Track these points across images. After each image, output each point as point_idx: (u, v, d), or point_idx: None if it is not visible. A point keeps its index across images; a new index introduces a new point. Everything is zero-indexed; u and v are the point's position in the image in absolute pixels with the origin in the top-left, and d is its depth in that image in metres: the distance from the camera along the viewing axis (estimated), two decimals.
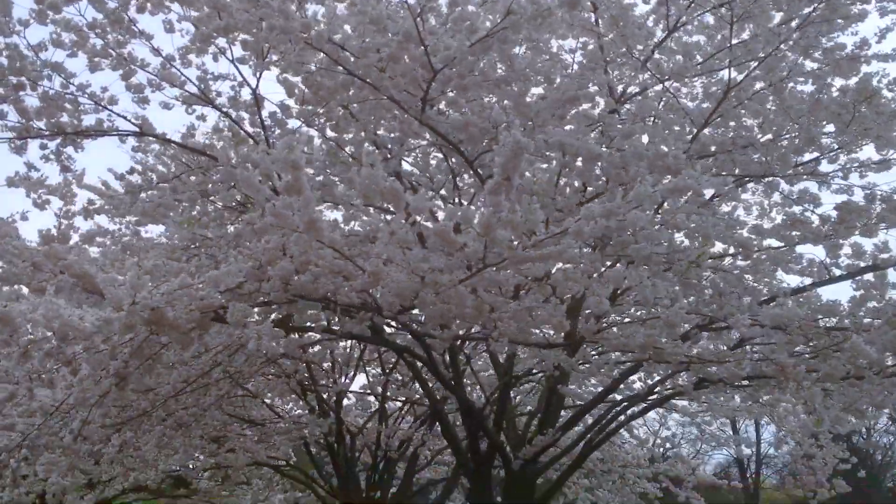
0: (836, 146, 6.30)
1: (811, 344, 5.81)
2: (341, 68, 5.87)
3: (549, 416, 8.17)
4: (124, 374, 4.58)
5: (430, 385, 8.77)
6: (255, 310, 5.68)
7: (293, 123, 7.28)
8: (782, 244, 6.52)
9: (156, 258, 4.84)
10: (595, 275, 4.95)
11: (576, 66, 6.97)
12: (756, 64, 6.00)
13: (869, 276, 6.22)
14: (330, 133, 7.38)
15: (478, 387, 11.13)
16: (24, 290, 4.52)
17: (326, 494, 12.07)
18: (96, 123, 6.76)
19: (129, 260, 4.59)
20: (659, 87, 7.09)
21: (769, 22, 6.21)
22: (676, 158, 4.81)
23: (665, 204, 6.22)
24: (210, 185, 6.69)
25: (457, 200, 8.41)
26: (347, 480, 11.41)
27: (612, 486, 13.37)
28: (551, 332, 5.96)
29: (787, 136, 6.17)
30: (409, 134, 6.80)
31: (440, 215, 6.93)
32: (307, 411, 11.26)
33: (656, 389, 7.89)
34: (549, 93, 6.43)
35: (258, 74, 6.85)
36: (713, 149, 6.21)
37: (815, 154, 6.43)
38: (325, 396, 11.27)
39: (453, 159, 7.31)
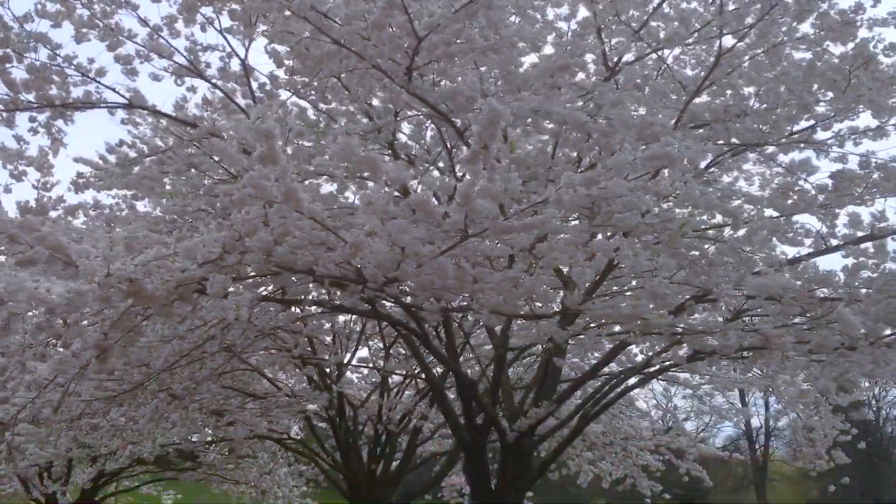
0: (832, 113, 6.17)
1: (808, 315, 5.74)
2: (327, 37, 5.78)
3: (545, 388, 8.13)
4: (105, 347, 4.55)
5: (427, 359, 8.74)
6: (241, 284, 5.66)
7: (284, 95, 7.22)
8: (779, 214, 6.42)
9: (138, 230, 4.78)
10: (580, 245, 4.87)
11: (570, 35, 6.86)
12: (748, 29, 5.87)
13: (868, 246, 6.13)
14: (323, 105, 7.33)
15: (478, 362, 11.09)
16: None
17: (329, 468, 12.11)
18: (84, 96, 6.72)
19: (99, 231, 4.53)
20: (655, 56, 6.98)
21: None
22: (664, 127, 4.71)
23: (666, 173, 6.14)
24: (196, 158, 6.63)
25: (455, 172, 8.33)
26: (349, 454, 11.44)
27: (614, 459, 13.37)
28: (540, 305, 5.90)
29: (782, 103, 6.05)
30: (399, 104, 6.72)
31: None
32: (307, 385, 11.27)
33: (653, 361, 7.84)
34: (544, 61, 6.33)
35: (247, 44, 6.78)
36: (707, 116, 6.09)
37: (811, 122, 6.31)
38: (327, 371, 11.28)
39: (445, 129, 7.21)
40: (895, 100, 5.71)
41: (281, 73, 6.84)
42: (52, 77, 6.55)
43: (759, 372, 8.60)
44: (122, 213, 7.94)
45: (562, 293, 6.38)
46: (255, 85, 7.09)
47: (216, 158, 6.58)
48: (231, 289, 5.15)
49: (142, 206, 8.04)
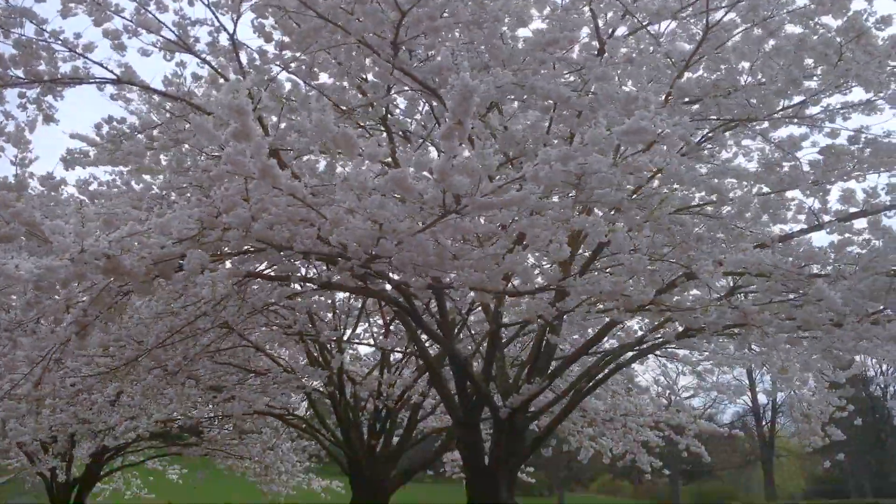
0: (822, 88, 6.06)
1: (800, 292, 5.70)
2: (312, 12, 5.72)
3: (538, 365, 8.12)
4: (84, 324, 4.55)
5: (423, 336, 8.73)
6: (228, 261, 5.65)
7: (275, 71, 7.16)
8: (769, 191, 6.36)
9: (118, 206, 4.77)
10: (562, 222, 4.82)
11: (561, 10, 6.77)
12: (739, 1, 5.78)
13: (855, 222, 6.08)
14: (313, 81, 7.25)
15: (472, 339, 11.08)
16: None
17: (330, 444, 12.17)
18: (72, 71, 6.68)
19: (70, 206, 4.52)
20: (647, 30, 6.88)
21: None
22: (647, 101, 4.65)
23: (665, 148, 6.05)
24: (182, 134, 6.60)
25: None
26: (350, 430, 11.49)
27: (615, 435, 13.41)
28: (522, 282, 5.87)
29: (769, 79, 5.95)
30: (388, 80, 6.65)
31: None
32: (305, 361, 11.31)
33: (647, 338, 7.82)
34: (537, 35, 6.25)
35: (235, 19, 6.72)
36: (698, 92, 6.01)
37: (802, 98, 6.21)
38: (328, 347, 11.30)
39: (436, 104, 7.15)
40: (886, 74, 5.60)
41: (270, 47, 6.79)
42: (39, 52, 6.52)
43: (755, 349, 8.56)
44: (115, 190, 7.93)
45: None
46: (244, 60, 7.04)
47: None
48: (220, 267, 5.14)
49: (136, 183, 8.03)
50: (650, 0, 6.57)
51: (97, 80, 6.78)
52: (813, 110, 6.25)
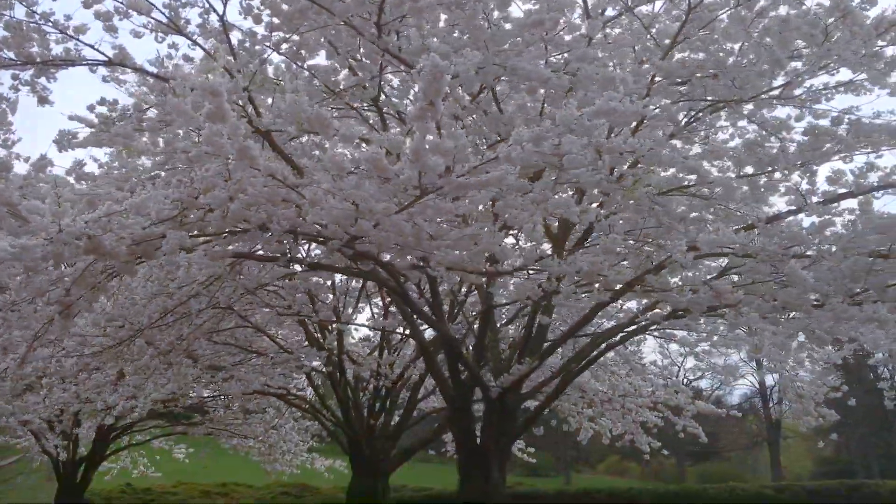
0: (806, 69, 6.04)
1: (783, 273, 5.70)
2: None
3: (530, 345, 8.16)
4: (67, 304, 4.62)
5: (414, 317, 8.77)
6: (214, 244, 5.69)
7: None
8: (755, 172, 6.35)
9: (101, 187, 4.82)
10: (539, 203, 4.84)
11: None
12: None
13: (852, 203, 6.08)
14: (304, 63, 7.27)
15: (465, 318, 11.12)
16: None
17: (331, 423, 12.27)
18: (64, 53, 6.72)
19: (45, 187, 4.58)
20: (641, 8, 6.87)
21: None
22: (624, 81, 4.66)
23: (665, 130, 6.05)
24: (169, 116, 6.63)
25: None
26: (349, 410, 11.58)
27: (614, 416, 13.46)
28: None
29: (749, 62, 5.94)
30: (379, 61, 6.66)
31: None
32: (305, 342, 11.38)
33: (638, 319, 7.84)
34: (526, 15, 6.25)
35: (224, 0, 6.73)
36: (684, 74, 6.00)
37: (787, 79, 6.19)
38: (329, 328, 11.35)
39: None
40: (868, 55, 5.58)
41: (260, 29, 6.80)
42: (30, 35, 6.56)
43: (746, 330, 8.55)
44: (98, 171, 7.95)
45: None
46: (235, 42, 7.05)
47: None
48: (198, 248, 5.18)
49: (121, 165, 8.05)
50: None
51: (89, 61, 6.82)
52: (798, 91, 6.23)
